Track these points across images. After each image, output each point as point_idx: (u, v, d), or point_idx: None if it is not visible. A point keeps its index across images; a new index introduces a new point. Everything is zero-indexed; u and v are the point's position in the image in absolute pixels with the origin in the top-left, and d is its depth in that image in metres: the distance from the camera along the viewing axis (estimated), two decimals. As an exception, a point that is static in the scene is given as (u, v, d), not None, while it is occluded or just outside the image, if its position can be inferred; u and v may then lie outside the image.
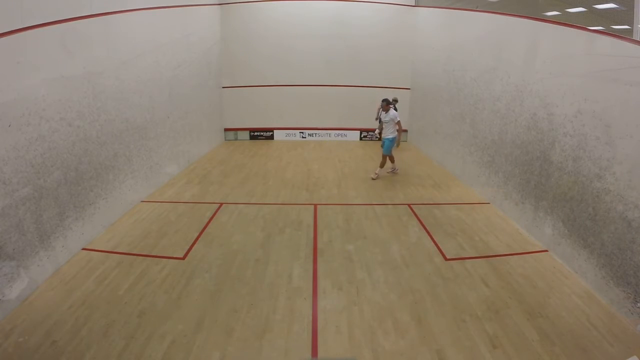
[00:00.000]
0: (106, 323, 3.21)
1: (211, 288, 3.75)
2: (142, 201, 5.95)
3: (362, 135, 10.99)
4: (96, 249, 4.46)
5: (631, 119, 3.42)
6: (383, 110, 7.36)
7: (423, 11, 9.66)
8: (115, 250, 4.43)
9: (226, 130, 10.81)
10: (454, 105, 7.56)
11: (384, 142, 7.44)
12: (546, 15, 5.22)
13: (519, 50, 5.36)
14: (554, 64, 4.60)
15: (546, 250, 4.55)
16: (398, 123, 7.18)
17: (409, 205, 5.99)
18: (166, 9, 6.77)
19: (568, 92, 4.32)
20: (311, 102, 10.63)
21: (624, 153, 3.49)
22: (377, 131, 7.62)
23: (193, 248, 4.54)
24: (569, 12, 5.25)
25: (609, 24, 4.53)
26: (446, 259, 4.35)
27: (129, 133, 5.57)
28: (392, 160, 7.62)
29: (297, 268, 4.13)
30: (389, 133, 7.28)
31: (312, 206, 5.91)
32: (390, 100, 8.99)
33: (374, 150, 9.83)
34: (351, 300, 3.58)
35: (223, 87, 10.35)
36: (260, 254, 4.41)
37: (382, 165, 7.43)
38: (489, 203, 6.06)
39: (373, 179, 7.23)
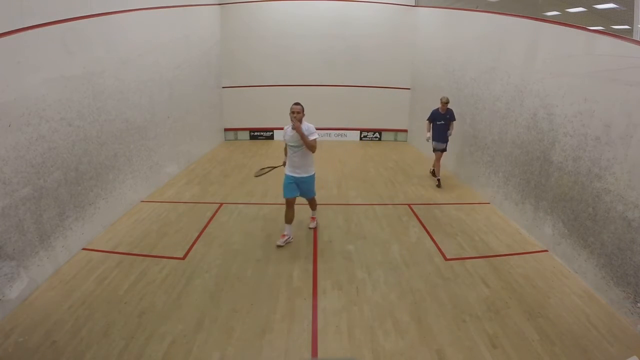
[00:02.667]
0: (106, 323, 3.20)
1: (211, 288, 3.75)
2: (142, 201, 5.95)
3: (362, 136, 10.99)
4: (96, 249, 4.46)
5: (631, 119, 3.42)
6: (292, 122, 4.32)
7: (423, 11, 9.66)
8: (115, 250, 4.43)
9: (226, 130, 10.81)
10: (454, 105, 7.53)
11: (302, 182, 4.54)
12: (546, 15, 5.22)
13: (519, 50, 5.36)
14: (554, 64, 4.60)
15: (546, 250, 4.55)
16: (314, 142, 4.33)
17: (409, 205, 5.99)
18: (166, 9, 6.77)
19: (568, 92, 4.32)
20: (311, 102, 10.46)
21: (624, 153, 3.50)
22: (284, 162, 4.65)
23: (193, 248, 4.54)
24: (569, 12, 5.25)
25: (609, 24, 4.52)
26: (446, 259, 4.35)
27: (129, 133, 5.57)
28: (314, 206, 5.09)
29: (297, 268, 4.13)
30: (308, 166, 4.51)
31: (312, 206, 5.90)
32: (446, 103, 6.58)
33: (375, 150, 9.85)
34: (351, 300, 3.58)
35: (223, 87, 10.35)
36: (260, 254, 4.41)
37: (314, 215, 5.12)
38: (489, 203, 6.06)
39: (281, 244, 4.58)
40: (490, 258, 4.39)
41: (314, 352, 2.96)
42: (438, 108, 6.77)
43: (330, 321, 3.29)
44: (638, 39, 3.87)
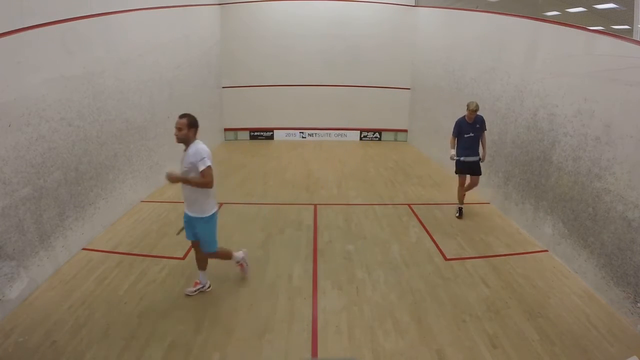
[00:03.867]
0: (106, 323, 3.20)
1: (211, 288, 3.75)
2: (142, 201, 5.95)
3: (362, 136, 11.00)
4: (96, 249, 4.46)
5: (631, 119, 3.42)
6: (179, 140, 3.30)
7: (423, 11, 9.66)
8: (115, 250, 4.43)
9: (226, 130, 10.81)
10: (454, 105, 7.54)
11: (194, 224, 3.34)
12: (546, 15, 5.22)
13: (519, 50, 5.36)
14: (554, 64, 4.60)
15: (546, 250, 4.55)
16: (204, 173, 3.11)
17: (409, 205, 5.99)
18: (166, 9, 6.76)
19: (568, 92, 4.32)
20: (311, 102, 10.64)
21: (624, 153, 3.50)
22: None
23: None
24: (569, 12, 5.25)
25: (609, 24, 4.52)
26: (446, 259, 4.35)
27: (129, 133, 5.57)
28: (202, 264, 3.56)
29: (297, 268, 4.13)
30: (200, 203, 3.25)
31: (312, 206, 5.90)
32: (474, 110, 5.06)
33: (375, 150, 9.85)
34: (351, 301, 3.58)
35: (223, 87, 10.36)
36: (260, 254, 4.41)
37: (203, 265, 3.59)
38: (489, 203, 6.05)
39: (189, 294, 3.56)
40: (490, 258, 4.39)
41: (314, 352, 2.95)
42: (464, 116, 5.26)
43: (330, 321, 3.29)
44: (638, 39, 3.87)
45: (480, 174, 5.36)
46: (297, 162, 8.65)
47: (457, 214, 5.53)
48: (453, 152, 5.31)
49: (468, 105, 5.18)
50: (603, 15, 4.65)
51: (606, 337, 3.11)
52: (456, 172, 5.42)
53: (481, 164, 5.33)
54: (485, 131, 5.30)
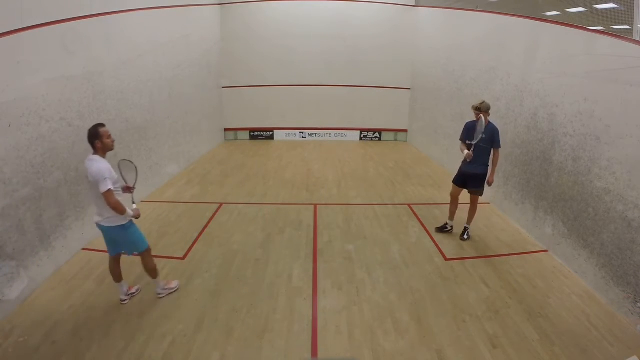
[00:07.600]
0: (106, 323, 3.21)
1: (211, 288, 3.75)
2: (142, 201, 5.94)
3: (362, 136, 11.00)
4: (96, 249, 4.45)
5: (631, 119, 3.42)
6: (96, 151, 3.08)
7: (423, 11, 9.66)
8: (115, 250, 4.43)
9: (226, 130, 10.82)
10: (454, 105, 7.56)
11: (107, 234, 3.22)
12: (546, 15, 5.22)
13: (519, 50, 5.37)
14: (554, 64, 4.60)
15: (546, 250, 4.55)
16: (107, 196, 2.96)
17: (409, 205, 5.99)
18: (166, 9, 6.77)
19: (568, 92, 4.32)
20: (311, 102, 10.64)
21: (624, 153, 3.50)
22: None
23: (193, 248, 4.54)
24: (569, 12, 5.25)
25: (609, 24, 4.52)
26: (446, 259, 4.35)
27: (129, 133, 5.57)
28: (150, 272, 3.47)
29: (297, 268, 4.13)
30: (102, 207, 3.08)
31: (312, 206, 5.90)
32: (477, 109, 4.42)
33: (375, 150, 9.86)
34: (351, 300, 3.58)
35: (223, 87, 10.36)
36: (260, 254, 4.41)
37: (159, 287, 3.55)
38: (489, 203, 6.05)
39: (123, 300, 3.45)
40: (490, 258, 4.39)
41: (314, 352, 2.95)
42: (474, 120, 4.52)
43: (330, 321, 3.29)
44: (638, 39, 3.87)
45: (478, 192, 4.63)
46: (297, 162, 8.65)
47: (439, 230, 4.91)
48: (466, 151, 4.48)
49: (479, 107, 4.45)
50: (603, 15, 4.65)
51: (606, 337, 3.11)
52: (453, 182, 4.77)
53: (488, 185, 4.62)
54: (497, 148, 4.45)
